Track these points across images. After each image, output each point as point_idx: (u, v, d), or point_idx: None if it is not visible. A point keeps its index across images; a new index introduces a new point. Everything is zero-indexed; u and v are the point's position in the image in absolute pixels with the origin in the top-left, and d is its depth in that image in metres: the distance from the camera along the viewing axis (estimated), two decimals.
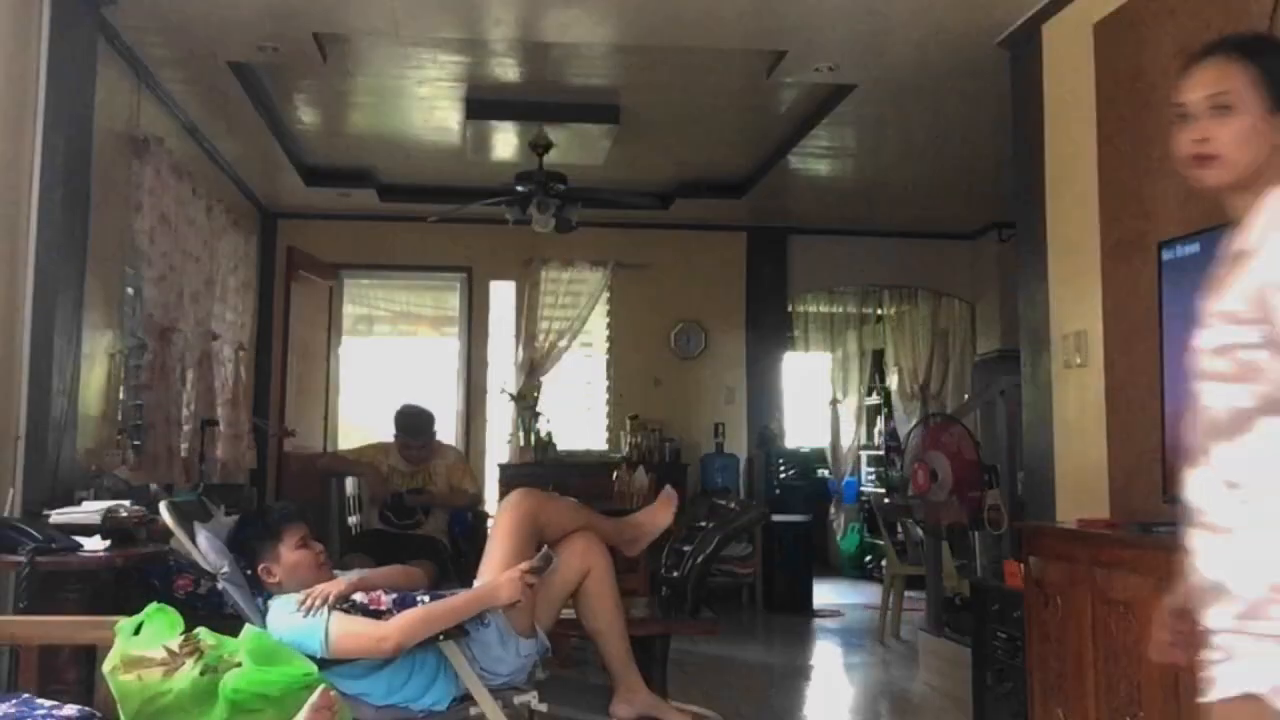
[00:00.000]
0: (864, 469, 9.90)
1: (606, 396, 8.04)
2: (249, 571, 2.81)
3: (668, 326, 7.97)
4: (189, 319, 5.18)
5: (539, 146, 5.80)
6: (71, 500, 3.54)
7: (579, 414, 8.08)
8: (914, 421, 7.91)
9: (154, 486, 4.24)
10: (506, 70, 5.11)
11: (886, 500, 8.58)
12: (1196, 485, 1.56)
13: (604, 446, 7.94)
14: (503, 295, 7.95)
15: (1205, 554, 1.54)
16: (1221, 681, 1.48)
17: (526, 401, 7.69)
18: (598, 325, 8.05)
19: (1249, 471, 1.48)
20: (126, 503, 3.44)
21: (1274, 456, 1.47)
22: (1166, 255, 2.84)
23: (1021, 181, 4.21)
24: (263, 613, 2.75)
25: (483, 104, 5.48)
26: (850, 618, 7.08)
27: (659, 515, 3.30)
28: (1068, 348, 3.83)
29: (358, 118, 5.92)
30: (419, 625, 2.64)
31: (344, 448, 6.96)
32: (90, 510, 3.28)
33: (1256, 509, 1.47)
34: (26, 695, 2.26)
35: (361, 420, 8.14)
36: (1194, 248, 2.75)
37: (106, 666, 2.19)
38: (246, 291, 6.53)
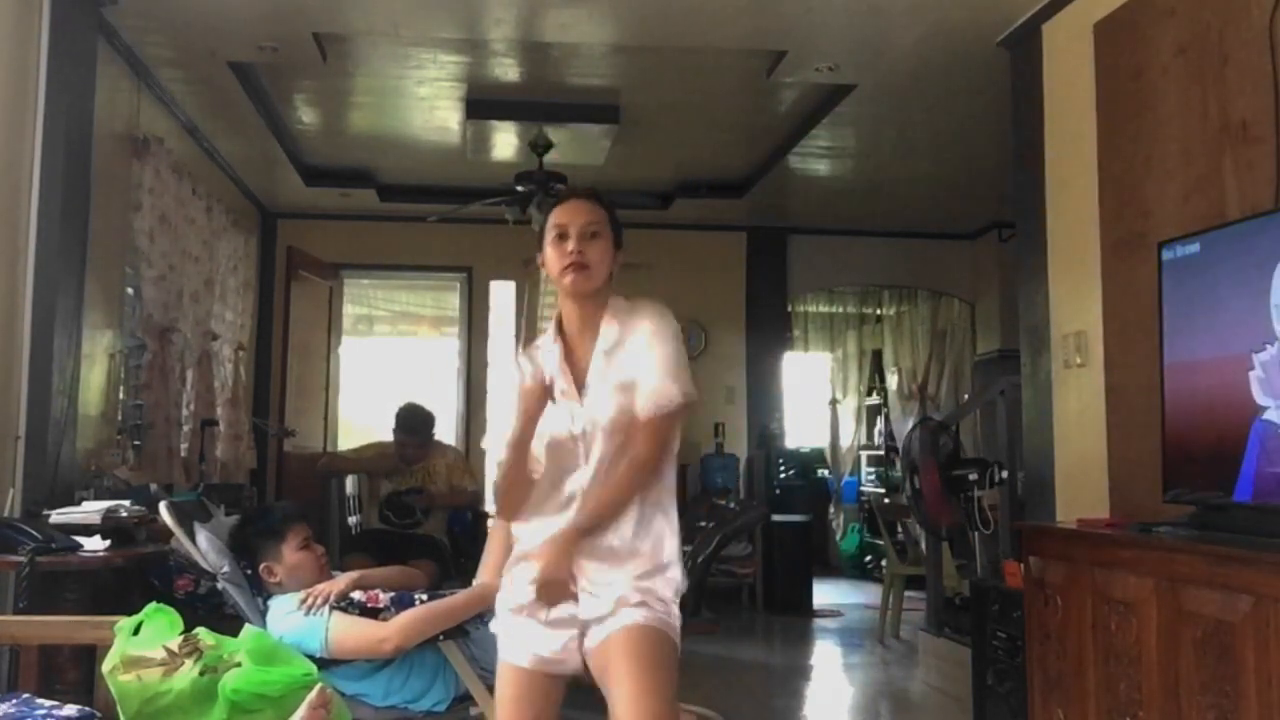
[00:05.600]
0: (864, 469, 9.91)
1: None
2: (249, 571, 2.82)
3: None
4: (188, 319, 5.18)
5: (539, 146, 5.80)
6: (71, 500, 3.54)
7: None
8: (911, 422, 7.91)
9: (154, 486, 4.24)
10: (506, 70, 5.11)
11: (886, 500, 8.59)
12: None
13: None
14: (503, 295, 7.95)
15: None
16: None
17: None
18: None
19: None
20: (126, 503, 3.44)
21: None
22: (1166, 255, 2.84)
23: (1021, 181, 4.21)
24: (263, 613, 2.75)
25: (483, 104, 5.48)
26: (850, 618, 7.08)
27: None
28: (1068, 348, 3.83)
29: (358, 118, 5.92)
30: (419, 625, 2.64)
31: (344, 448, 6.96)
32: (90, 510, 3.28)
33: None
34: (26, 695, 2.26)
35: (361, 420, 8.14)
36: (1194, 248, 2.75)
37: (106, 666, 2.19)
38: (246, 291, 6.52)
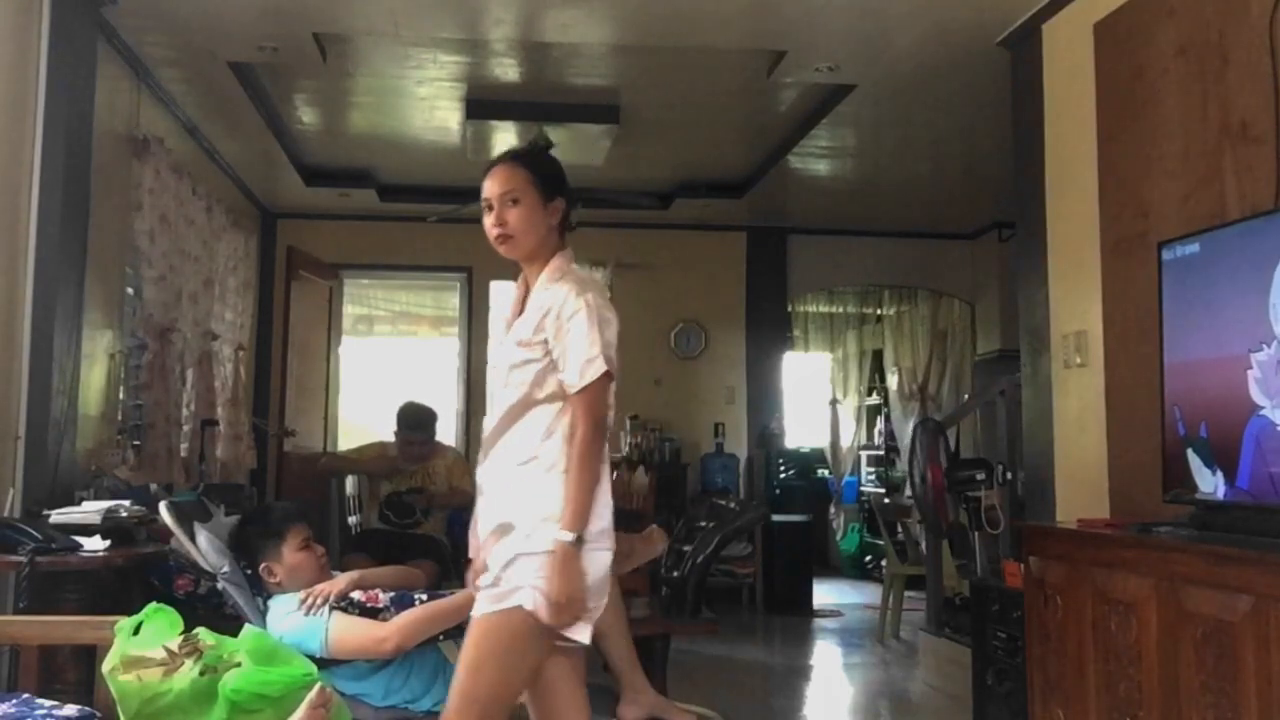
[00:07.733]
0: (864, 469, 9.91)
1: None
2: (249, 571, 2.81)
3: (668, 326, 7.96)
4: (188, 319, 5.18)
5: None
6: (71, 500, 3.54)
7: None
8: (912, 423, 7.91)
9: (154, 486, 4.24)
10: (506, 70, 5.11)
11: (886, 500, 8.59)
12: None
13: None
14: (502, 295, 7.93)
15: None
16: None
17: None
18: None
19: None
20: (126, 503, 3.44)
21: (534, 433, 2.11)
22: (1166, 255, 2.84)
23: (1021, 181, 4.21)
24: (263, 613, 2.75)
25: (483, 104, 5.48)
26: (850, 618, 7.08)
27: (649, 545, 3.42)
28: (1068, 348, 3.83)
29: (358, 118, 5.92)
30: (419, 625, 2.64)
31: (343, 448, 6.96)
32: (90, 510, 3.27)
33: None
34: (26, 695, 2.26)
35: (361, 420, 8.15)
36: (1194, 248, 2.75)
37: (106, 666, 2.19)
38: (246, 291, 6.53)
